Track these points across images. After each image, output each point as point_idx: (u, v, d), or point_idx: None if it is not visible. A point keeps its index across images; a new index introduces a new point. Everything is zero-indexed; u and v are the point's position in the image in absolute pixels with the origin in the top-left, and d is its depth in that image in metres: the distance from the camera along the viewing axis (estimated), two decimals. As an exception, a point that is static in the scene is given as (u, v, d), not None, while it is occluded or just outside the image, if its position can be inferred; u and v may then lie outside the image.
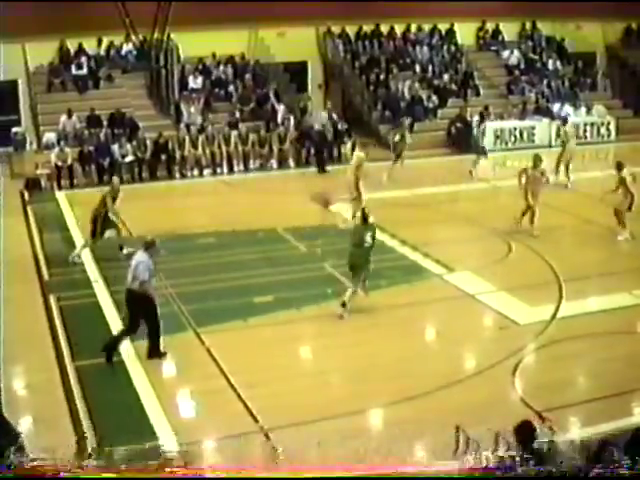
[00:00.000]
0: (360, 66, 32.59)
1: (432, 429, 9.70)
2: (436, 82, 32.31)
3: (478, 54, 35.14)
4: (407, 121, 27.87)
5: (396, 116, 30.11)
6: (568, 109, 31.76)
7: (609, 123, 31.61)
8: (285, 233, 19.56)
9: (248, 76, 30.81)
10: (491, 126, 29.81)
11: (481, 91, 32.75)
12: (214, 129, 27.60)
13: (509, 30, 36.06)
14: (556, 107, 31.83)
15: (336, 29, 33.61)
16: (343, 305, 14.37)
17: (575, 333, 13.71)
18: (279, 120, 28.72)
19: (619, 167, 18.64)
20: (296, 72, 32.82)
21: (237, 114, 28.69)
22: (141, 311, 12.56)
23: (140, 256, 12.58)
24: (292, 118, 28.87)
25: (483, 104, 30.79)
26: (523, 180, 18.94)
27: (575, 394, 11.76)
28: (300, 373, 12.53)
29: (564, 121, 26.73)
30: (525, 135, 30.28)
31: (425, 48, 33.95)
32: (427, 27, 34.76)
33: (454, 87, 32.37)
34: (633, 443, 8.05)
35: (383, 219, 20.31)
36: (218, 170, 26.79)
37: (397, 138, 25.46)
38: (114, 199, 17.81)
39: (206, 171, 26.68)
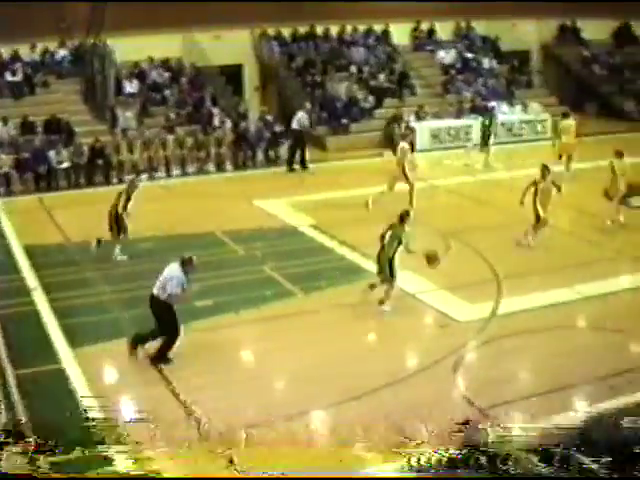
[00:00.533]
0: (296, 68, 32.61)
1: (378, 428, 9.71)
2: (372, 83, 32.44)
3: (414, 54, 35.39)
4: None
5: (331, 117, 30.21)
6: (504, 107, 32.11)
7: (545, 120, 31.95)
8: (223, 236, 19.49)
9: (184, 80, 30.64)
10: (427, 125, 30.07)
11: (417, 91, 32.97)
12: (151, 133, 27.39)
13: (444, 30, 36.34)
14: (492, 105, 32.12)
15: (271, 31, 33.58)
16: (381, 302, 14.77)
17: (515, 329, 13.88)
18: (216, 123, 28.60)
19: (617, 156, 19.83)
20: (232, 75, 32.70)
21: (174, 118, 28.50)
22: (161, 317, 12.71)
23: (175, 270, 12.65)
24: (229, 121, 28.76)
25: (419, 104, 31.04)
26: (531, 192, 18.27)
27: (517, 390, 11.89)
28: (242, 377, 12.49)
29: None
30: (461, 134, 30.53)
31: (361, 49, 34.07)
32: (362, 28, 34.89)
33: (390, 87, 32.50)
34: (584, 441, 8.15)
35: (322, 220, 20.48)
36: (156, 174, 26.58)
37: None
38: (129, 198, 17.85)
39: (143, 176, 26.40)
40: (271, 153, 28.29)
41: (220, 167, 27.50)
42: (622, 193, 19.91)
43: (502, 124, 30.92)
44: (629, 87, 35.88)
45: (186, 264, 12.68)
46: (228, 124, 28.68)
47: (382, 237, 14.80)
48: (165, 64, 31.07)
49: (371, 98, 31.67)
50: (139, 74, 30.29)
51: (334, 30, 34.45)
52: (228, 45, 32.05)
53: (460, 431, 8.17)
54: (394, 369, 12.42)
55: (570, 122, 25.98)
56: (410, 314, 14.93)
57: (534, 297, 15.43)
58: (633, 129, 31.20)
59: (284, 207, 22.08)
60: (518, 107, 32.37)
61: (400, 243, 14.59)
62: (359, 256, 17.81)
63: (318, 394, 11.64)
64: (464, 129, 30.57)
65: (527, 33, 37.49)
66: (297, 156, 27.18)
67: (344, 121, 29.84)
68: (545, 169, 18.22)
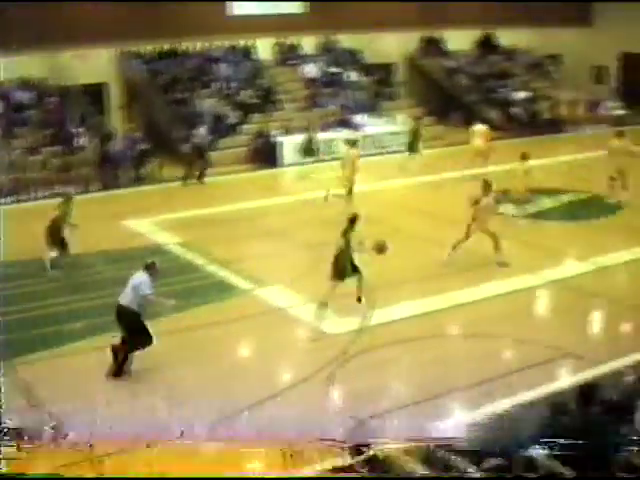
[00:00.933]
0: (161, 85, 32.15)
1: (253, 447, 9.51)
2: (238, 98, 32.27)
3: (279, 69, 35.39)
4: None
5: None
6: (370, 120, 32.40)
7: (410, 132, 32.20)
8: (89, 258, 18.96)
9: (48, 100, 29.80)
10: (294, 140, 30.05)
11: (283, 105, 32.96)
12: (15, 155, 26.51)
13: (309, 44, 36.48)
14: (358, 119, 32.40)
15: (135, 49, 33.05)
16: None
17: (388, 339, 13.92)
18: (81, 143, 27.91)
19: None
20: (97, 94, 32.02)
21: (38, 139, 27.65)
22: (125, 325, 12.88)
23: (140, 275, 12.88)
24: (94, 141, 28.11)
25: (285, 118, 31.03)
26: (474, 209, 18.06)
27: (391, 401, 11.86)
28: (115, 399, 12.08)
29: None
30: (328, 148, 30.60)
31: (226, 65, 33.87)
32: (227, 43, 34.71)
33: (256, 102, 32.38)
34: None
35: (191, 238, 20.18)
36: (21, 196, 25.70)
37: None
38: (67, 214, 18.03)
39: (9, 198, 25.55)
40: (140, 171, 27.75)
41: (86, 187, 26.80)
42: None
43: (368, 137, 31.17)
44: (492, 96, 36.78)
45: (150, 268, 12.93)
46: (93, 143, 28.03)
47: (346, 240, 14.98)
48: (29, 84, 30.17)
49: (237, 114, 31.49)
50: (1, 95, 29.32)
51: (199, 46, 34.15)
52: (92, 64, 31.36)
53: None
54: (268, 386, 12.24)
55: (481, 127, 26.82)
56: (282, 329, 14.79)
57: (407, 306, 15.54)
58: (497, 137, 31.86)
59: (151, 226, 21.69)
60: (384, 119, 32.69)
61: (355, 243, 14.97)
62: (230, 273, 17.59)
63: (191, 416, 11.35)
64: (331, 142, 30.64)
65: (391, 46, 37.99)
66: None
67: (210, 137, 29.54)
68: (486, 184, 17.97)
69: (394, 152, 30.67)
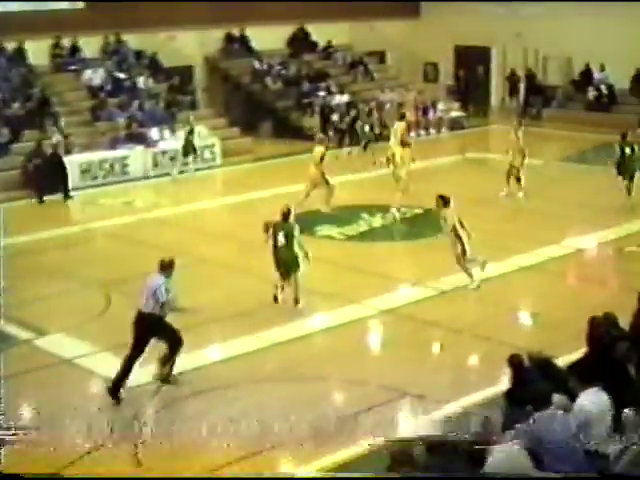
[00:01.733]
0: None
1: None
2: (7, 112, 31.44)
3: (55, 76, 34.71)
4: None
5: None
6: (165, 133, 32.15)
7: (213, 145, 32.27)
8: None
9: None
10: (77, 159, 29.45)
11: (62, 119, 32.26)
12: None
13: (91, 46, 35.87)
14: (152, 132, 32.10)
15: None
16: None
17: (196, 388, 13.82)
18: None
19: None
20: None
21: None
22: (155, 334, 13.83)
23: (156, 277, 13.82)
24: None
25: (65, 133, 30.43)
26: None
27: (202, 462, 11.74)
28: None
29: None
30: (117, 167, 30.19)
31: (-10, 72, 32.99)
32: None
33: (28, 116, 31.59)
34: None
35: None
36: None
37: None
38: None
39: None
40: None
41: None
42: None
43: (163, 153, 31.04)
44: (307, 101, 37.13)
45: (166, 268, 13.87)
46: None
47: (274, 237, 17.04)
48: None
49: (6, 131, 30.63)
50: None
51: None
52: None
53: None
54: (53, 462, 11.86)
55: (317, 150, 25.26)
56: (69, 384, 14.44)
57: (219, 348, 15.51)
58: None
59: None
60: (181, 132, 32.11)
61: (293, 237, 16.96)
62: (5, 321, 17.02)
63: None
64: (120, 161, 30.28)
65: (190, 46, 37.84)
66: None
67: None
68: (440, 200, 18.30)
69: (197, 170, 30.58)
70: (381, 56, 43.44)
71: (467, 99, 41.50)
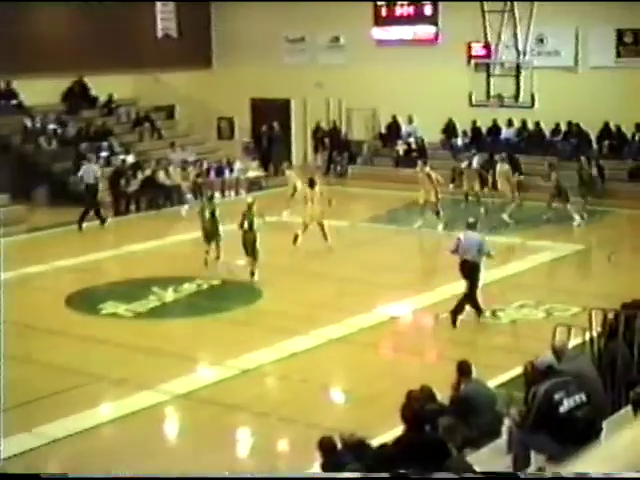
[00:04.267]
0: None
1: None
2: None
3: None
4: None
5: None
6: None
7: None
8: None
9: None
10: None
11: None
12: None
13: None
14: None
15: None
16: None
17: None
18: None
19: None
20: None
21: None
22: (473, 277, 20.32)
23: (475, 235, 20.73)
24: None
25: None
26: None
27: None
28: None
29: None
30: None
31: None
32: None
33: None
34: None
35: None
36: None
37: None
38: None
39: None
40: None
41: None
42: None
43: None
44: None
45: (474, 226, 21.00)
46: None
47: (241, 225, 23.99)
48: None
49: None
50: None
51: None
52: None
53: None
54: None
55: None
56: None
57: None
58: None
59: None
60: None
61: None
62: None
63: None
64: None
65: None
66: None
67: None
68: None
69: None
70: (170, 111, 43.36)
71: (266, 157, 41.56)
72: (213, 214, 25.14)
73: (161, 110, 42.55)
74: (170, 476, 12.73)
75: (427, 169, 30.39)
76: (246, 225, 24.00)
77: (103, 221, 31.32)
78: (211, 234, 25.11)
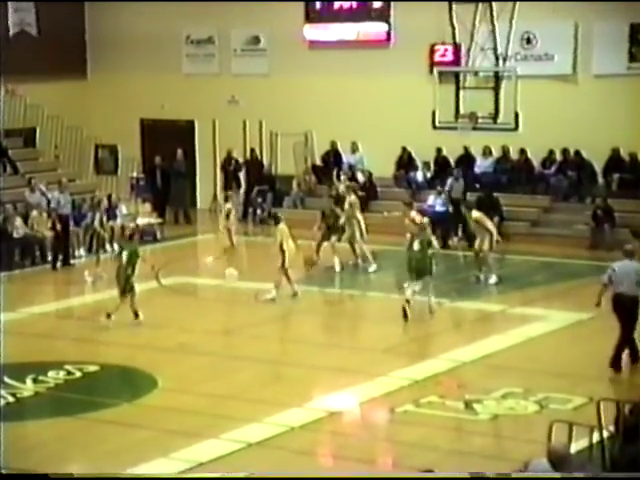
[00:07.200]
0: None
1: None
2: None
3: None
4: None
5: None
6: None
7: None
8: None
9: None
10: None
11: None
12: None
13: None
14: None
15: None
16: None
17: None
18: None
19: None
20: None
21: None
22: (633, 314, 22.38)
23: (630, 263, 22.38)
24: None
25: None
26: None
27: None
28: None
29: None
30: None
31: None
32: None
33: None
34: None
35: None
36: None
37: None
38: None
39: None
40: None
41: None
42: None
43: None
44: None
45: (632, 254, 22.62)
46: None
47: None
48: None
49: None
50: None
51: None
52: None
53: None
54: None
55: None
56: None
57: None
58: None
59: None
60: None
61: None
62: None
63: None
64: None
65: None
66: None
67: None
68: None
69: None
70: (29, 136, 42.41)
71: (163, 198, 41.25)
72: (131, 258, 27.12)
73: (16, 135, 41.91)
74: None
75: (413, 214, 31.18)
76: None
77: None
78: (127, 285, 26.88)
